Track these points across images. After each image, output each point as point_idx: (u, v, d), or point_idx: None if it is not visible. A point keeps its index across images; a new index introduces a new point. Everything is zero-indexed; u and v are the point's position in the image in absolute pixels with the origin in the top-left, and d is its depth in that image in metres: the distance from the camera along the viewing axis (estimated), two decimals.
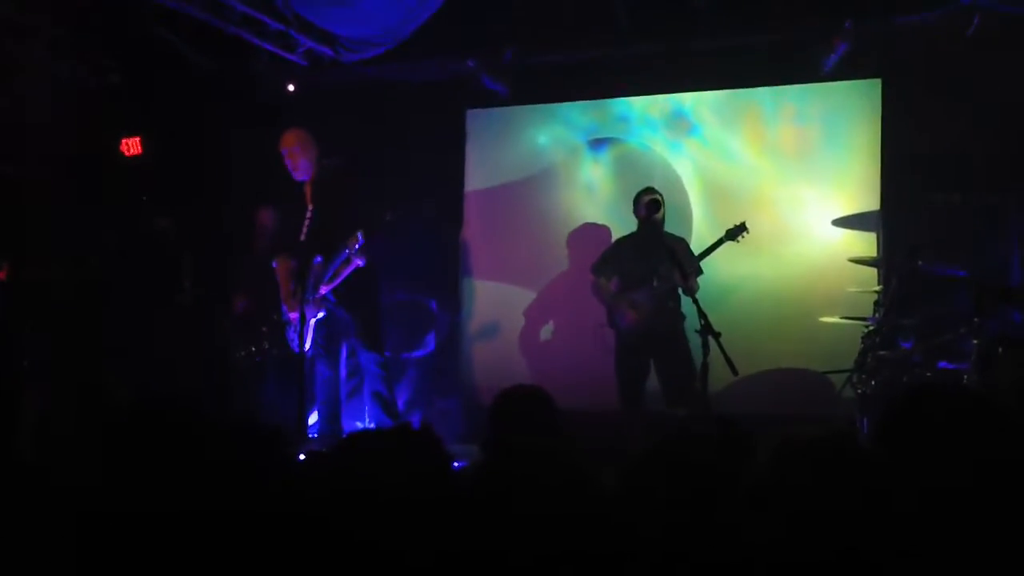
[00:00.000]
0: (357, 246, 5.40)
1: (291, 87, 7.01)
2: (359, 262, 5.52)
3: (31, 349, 5.73)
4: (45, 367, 5.43)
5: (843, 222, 6.27)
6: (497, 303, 7.13)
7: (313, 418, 6.65)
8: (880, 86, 6.24)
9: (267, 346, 6.32)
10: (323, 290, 5.68)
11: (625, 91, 6.87)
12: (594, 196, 6.95)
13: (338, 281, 5.65)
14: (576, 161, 7.03)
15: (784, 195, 6.47)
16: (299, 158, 5.70)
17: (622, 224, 6.35)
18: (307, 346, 5.73)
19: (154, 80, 7.17)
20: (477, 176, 7.23)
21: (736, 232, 5.63)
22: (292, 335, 5.74)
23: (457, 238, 7.12)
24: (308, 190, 5.80)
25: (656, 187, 5.94)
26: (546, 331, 6.97)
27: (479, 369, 7.08)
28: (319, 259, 5.59)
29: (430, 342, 6.99)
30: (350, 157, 6.11)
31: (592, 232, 6.81)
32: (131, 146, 7.18)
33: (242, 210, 6.98)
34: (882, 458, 1.96)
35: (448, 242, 7.12)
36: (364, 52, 6.50)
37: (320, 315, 5.74)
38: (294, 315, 5.71)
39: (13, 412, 2.90)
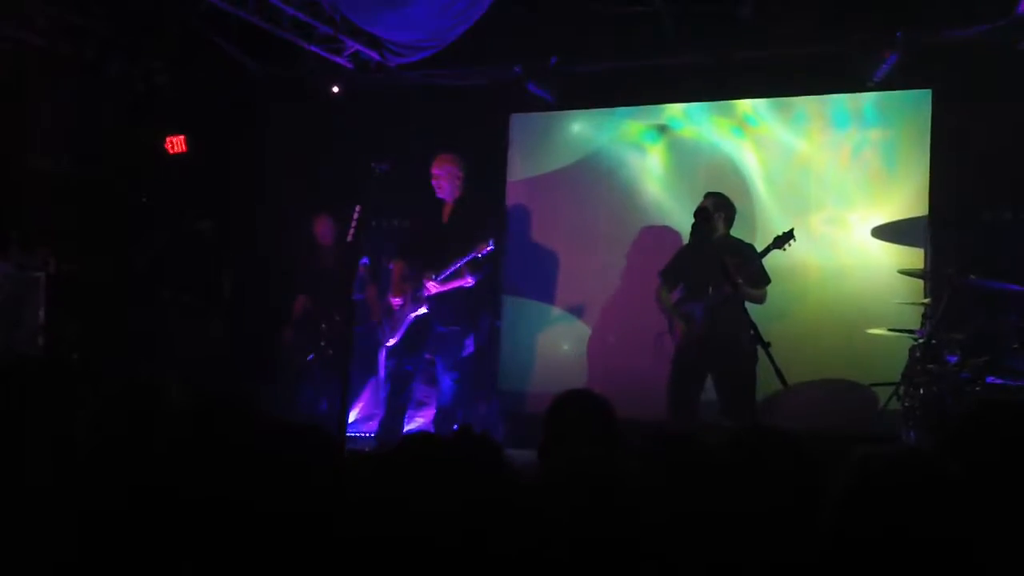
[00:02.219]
0: (487, 250, 5.79)
1: (336, 89, 7.05)
2: (470, 281, 5.88)
3: (79, 344, 5.80)
4: (94, 362, 5.49)
5: (891, 233, 6.22)
6: (537, 306, 7.13)
7: (353, 415, 6.72)
8: (930, 97, 6.19)
9: (323, 344, 6.50)
10: (432, 288, 5.90)
11: (671, 99, 6.86)
12: (640, 200, 6.93)
13: (447, 288, 5.90)
14: (623, 166, 7.01)
15: (831, 205, 6.43)
16: (443, 180, 6.06)
17: (665, 232, 6.32)
18: (395, 339, 6.01)
19: (201, 81, 7.25)
20: (520, 180, 7.24)
21: (783, 240, 5.45)
22: (386, 327, 6.07)
23: (499, 242, 7.12)
24: (447, 208, 6.12)
25: (715, 190, 5.80)
26: (605, 337, 6.93)
27: (518, 374, 7.08)
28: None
29: (469, 345, 6.99)
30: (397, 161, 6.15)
31: (655, 236, 6.76)
32: (176, 144, 7.25)
33: (285, 212, 7.03)
34: (959, 476, 1.93)
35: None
36: (410, 56, 6.54)
37: (421, 311, 5.98)
38: (397, 301, 6.01)
39: (66, 406, 2.92)
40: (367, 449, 5.55)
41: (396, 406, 6.09)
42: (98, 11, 6.47)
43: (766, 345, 4.51)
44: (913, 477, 1.61)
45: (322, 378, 6.49)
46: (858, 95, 6.40)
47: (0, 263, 5.88)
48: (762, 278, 5.56)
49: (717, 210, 5.59)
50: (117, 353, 6.01)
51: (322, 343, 6.52)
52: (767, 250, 5.50)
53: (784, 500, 2.05)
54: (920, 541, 1.55)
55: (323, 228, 6.86)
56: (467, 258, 5.84)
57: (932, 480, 1.61)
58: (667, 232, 6.69)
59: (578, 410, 2.79)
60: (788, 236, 5.46)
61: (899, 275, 5.69)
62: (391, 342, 6.08)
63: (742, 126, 6.75)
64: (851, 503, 1.65)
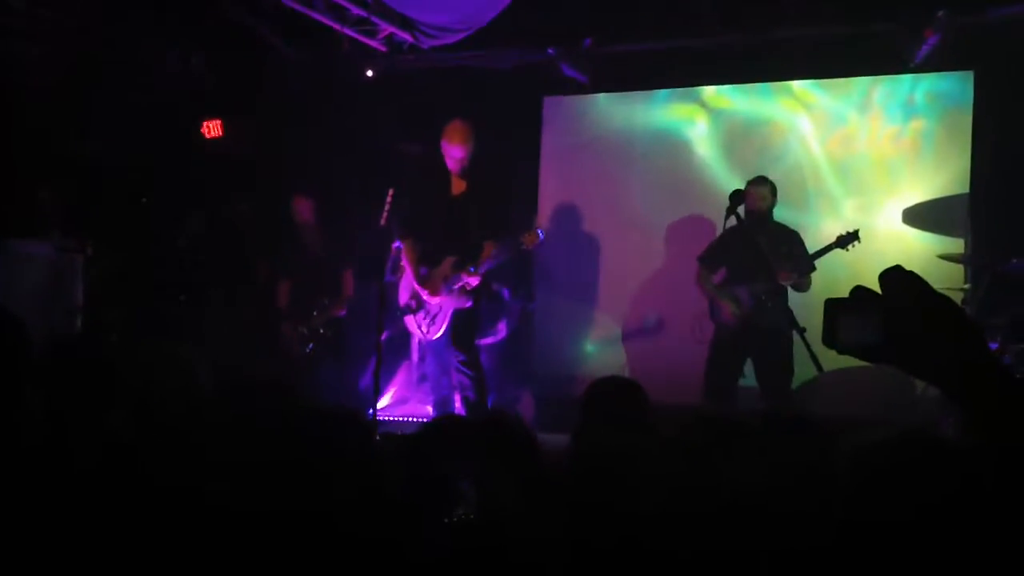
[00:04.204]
0: (537, 243, 5.51)
1: (370, 72, 7.04)
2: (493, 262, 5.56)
3: (118, 326, 5.87)
4: (134, 345, 5.55)
5: (931, 218, 6.12)
6: (569, 292, 7.11)
7: (385, 400, 6.72)
8: (972, 78, 6.07)
9: (321, 331, 6.27)
10: (473, 282, 5.60)
11: (707, 80, 6.78)
12: (676, 184, 6.85)
13: (484, 268, 5.61)
14: (658, 149, 6.94)
15: (870, 187, 6.35)
16: (455, 149, 5.64)
17: (697, 218, 6.24)
18: (440, 333, 5.70)
19: (235, 64, 7.28)
20: (552, 164, 7.21)
21: (847, 240, 5.37)
22: (421, 320, 5.73)
23: (532, 225, 7.09)
24: (455, 180, 5.74)
25: (761, 175, 5.72)
26: (628, 322, 6.90)
27: (551, 359, 7.07)
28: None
29: (502, 329, 6.99)
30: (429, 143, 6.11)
31: (692, 224, 6.66)
32: (212, 128, 7.30)
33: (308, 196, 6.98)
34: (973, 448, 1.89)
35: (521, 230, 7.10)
36: (444, 38, 6.52)
37: (467, 305, 5.68)
38: (434, 300, 5.69)
39: (105, 388, 2.94)
40: (400, 432, 5.56)
41: (445, 394, 5.90)
42: None
43: (802, 330, 4.48)
44: (911, 462, 1.59)
45: (327, 366, 6.24)
46: (899, 76, 6.29)
47: (41, 245, 5.97)
48: (807, 266, 5.47)
49: (764, 195, 5.52)
50: (153, 335, 6.06)
51: (320, 330, 6.25)
52: (827, 249, 5.40)
53: (802, 487, 2.04)
54: (924, 527, 1.52)
55: (301, 207, 6.46)
56: (508, 248, 5.56)
57: (935, 465, 1.58)
58: (702, 217, 6.61)
59: (612, 396, 2.79)
60: (852, 237, 5.38)
61: (938, 260, 5.60)
62: (434, 336, 5.74)
63: (779, 107, 6.67)
64: (851, 490, 1.63)
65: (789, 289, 5.45)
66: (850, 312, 1.18)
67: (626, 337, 6.93)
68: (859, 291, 1.19)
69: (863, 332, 1.17)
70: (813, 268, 5.48)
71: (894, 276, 1.18)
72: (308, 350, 6.25)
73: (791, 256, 5.43)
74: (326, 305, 6.27)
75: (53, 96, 6.49)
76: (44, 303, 5.81)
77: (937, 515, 1.53)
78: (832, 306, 1.20)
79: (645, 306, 6.89)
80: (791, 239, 5.61)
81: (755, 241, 5.31)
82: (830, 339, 1.18)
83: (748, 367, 5.63)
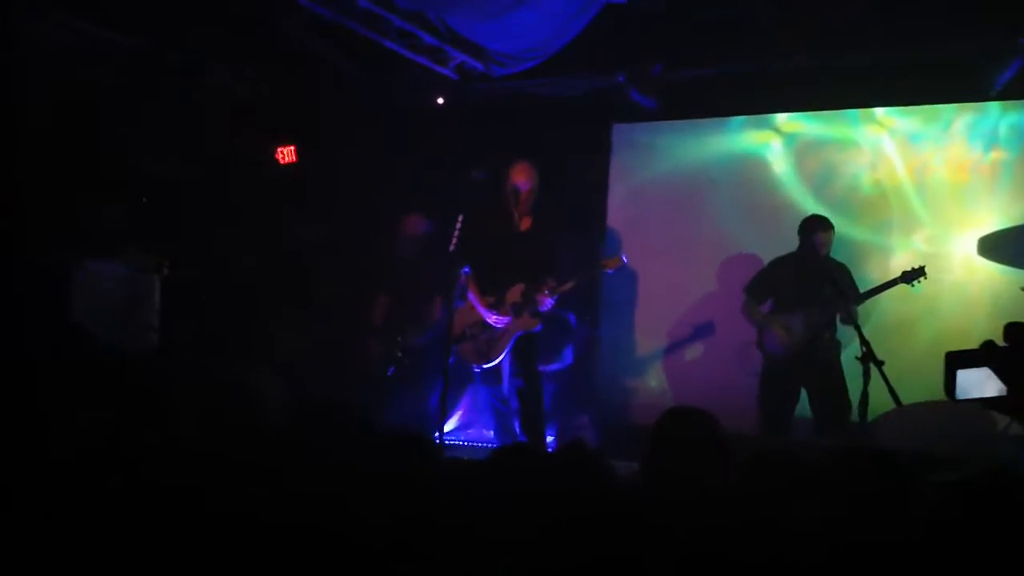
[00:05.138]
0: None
1: (441, 100, 7.10)
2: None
3: (193, 345, 5.97)
4: (203, 365, 5.63)
5: (1009, 248, 5.94)
6: (633, 319, 7.05)
7: (451, 424, 6.71)
8: None
9: (400, 355, 6.35)
10: (548, 303, 5.67)
11: (777, 107, 6.70)
12: (742, 213, 6.78)
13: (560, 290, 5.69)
14: (730, 176, 6.87)
15: (953, 218, 6.20)
16: (522, 186, 5.80)
17: (776, 245, 6.14)
18: (499, 358, 5.74)
19: (307, 89, 7.40)
20: (621, 191, 7.17)
21: (913, 276, 5.42)
22: (483, 345, 5.77)
23: (599, 252, 7.06)
24: (521, 217, 5.83)
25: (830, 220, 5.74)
26: (691, 352, 6.83)
27: (615, 386, 7.00)
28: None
29: (568, 356, 6.95)
30: (495, 171, 6.14)
31: (743, 260, 6.62)
32: (287, 154, 7.43)
33: (386, 222, 7.07)
34: None
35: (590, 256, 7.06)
36: (515, 67, 6.54)
37: (535, 329, 5.75)
38: (500, 322, 5.75)
39: (173, 405, 2.99)
40: (466, 458, 5.55)
41: (507, 422, 5.91)
42: (202, 17, 6.64)
43: (879, 363, 4.39)
44: (996, 499, 1.52)
45: (404, 391, 6.30)
46: (981, 104, 6.14)
47: (116, 265, 6.10)
48: (858, 299, 5.50)
49: (828, 242, 5.57)
50: (225, 355, 6.15)
51: (399, 354, 6.34)
52: (892, 283, 5.46)
53: (882, 522, 1.98)
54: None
55: (412, 223, 6.67)
56: (588, 272, 5.76)
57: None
58: (748, 257, 6.57)
59: (686, 426, 2.73)
60: (918, 272, 5.43)
61: (1020, 292, 5.44)
62: (494, 360, 5.77)
63: (850, 136, 6.56)
64: (936, 526, 1.58)
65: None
66: (971, 363, 1.16)
67: (672, 365, 6.88)
68: (988, 345, 1.17)
69: (985, 383, 1.14)
70: (860, 300, 5.49)
71: (1020, 328, 1.15)
72: (389, 373, 6.34)
73: (846, 287, 5.48)
74: (410, 331, 6.36)
75: (126, 115, 6.64)
76: (120, 321, 5.93)
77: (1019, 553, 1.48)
78: (953, 358, 1.17)
79: (703, 335, 6.81)
80: (843, 273, 5.66)
81: (814, 273, 5.35)
82: (951, 389, 1.15)
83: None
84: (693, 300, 6.86)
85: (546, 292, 5.63)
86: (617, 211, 7.16)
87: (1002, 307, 5.71)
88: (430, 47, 6.59)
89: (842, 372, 5.35)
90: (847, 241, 6.17)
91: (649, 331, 7.02)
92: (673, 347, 6.92)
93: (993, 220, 6.08)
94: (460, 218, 5.51)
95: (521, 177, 5.77)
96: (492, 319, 5.76)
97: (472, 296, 5.86)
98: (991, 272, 6.03)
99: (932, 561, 1.63)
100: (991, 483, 1.64)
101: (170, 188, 6.91)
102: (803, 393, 5.73)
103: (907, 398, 4.62)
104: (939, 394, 5.71)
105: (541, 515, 2.07)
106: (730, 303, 6.37)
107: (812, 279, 5.42)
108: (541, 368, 6.79)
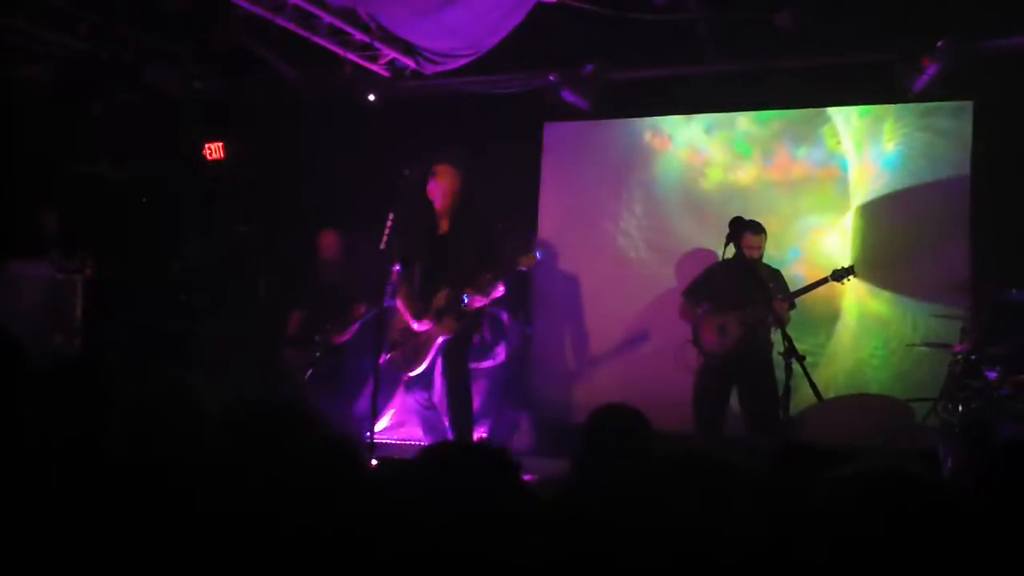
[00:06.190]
0: (533, 264, 5.69)
1: (372, 97, 7.07)
2: (502, 290, 5.61)
3: (118, 346, 5.86)
4: (134, 365, 5.54)
5: (929, 246, 6.13)
6: (567, 317, 7.11)
7: (383, 423, 6.70)
8: (971, 108, 6.10)
9: (318, 354, 6.32)
10: (477, 302, 5.57)
11: (706, 108, 6.81)
12: (674, 213, 6.88)
13: (488, 301, 5.63)
14: (657, 176, 6.96)
15: (868, 215, 6.36)
16: (442, 187, 5.78)
17: (713, 243, 6.21)
18: (425, 364, 5.66)
19: (238, 87, 7.32)
20: (552, 190, 7.23)
21: (842, 275, 5.63)
22: (409, 352, 5.70)
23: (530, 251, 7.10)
24: (442, 219, 5.81)
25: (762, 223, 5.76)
26: (628, 349, 6.88)
27: (549, 383, 7.05)
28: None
29: (500, 353, 6.97)
30: (427, 167, 6.12)
31: (682, 256, 6.72)
32: (214, 150, 7.34)
33: (312, 225, 7.00)
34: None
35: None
36: (445, 64, 6.54)
37: (456, 333, 5.64)
38: (423, 327, 5.68)
39: (102, 407, 2.94)
40: (397, 457, 5.54)
41: (436, 426, 5.87)
42: (137, 18, 6.54)
43: (801, 358, 4.49)
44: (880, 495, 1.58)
45: (324, 392, 6.24)
46: (895, 106, 6.32)
47: (39, 266, 5.97)
48: (791, 301, 5.68)
49: (760, 245, 5.67)
50: (153, 356, 6.05)
51: (316, 354, 6.30)
52: (823, 281, 5.66)
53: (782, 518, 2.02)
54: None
55: (328, 242, 6.65)
56: (508, 271, 5.58)
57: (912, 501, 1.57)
58: (699, 248, 6.64)
59: (615, 424, 2.75)
60: (848, 272, 5.65)
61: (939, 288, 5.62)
62: (420, 367, 5.69)
63: (773, 139, 6.69)
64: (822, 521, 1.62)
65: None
66: None
67: (617, 362, 6.91)
68: None
69: None
70: (794, 306, 5.69)
71: None
72: (307, 376, 6.31)
73: (778, 291, 5.64)
74: (328, 331, 6.32)
75: (54, 116, 6.51)
76: (42, 323, 5.80)
77: (901, 549, 1.51)
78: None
79: (638, 332, 6.88)
80: (776, 276, 5.82)
81: (747, 277, 5.40)
82: None
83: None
84: (629, 298, 6.93)
85: (469, 291, 5.53)
86: (549, 210, 7.21)
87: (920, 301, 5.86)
88: (361, 44, 6.57)
89: (774, 371, 5.43)
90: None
91: (586, 329, 7.07)
92: (610, 345, 6.97)
93: (906, 215, 6.25)
94: (391, 216, 5.49)
95: (441, 180, 5.75)
96: (415, 325, 5.73)
97: (399, 302, 5.83)
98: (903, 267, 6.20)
99: (820, 558, 1.65)
100: (877, 480, 1.67)
101: (102, 189, 6.79)
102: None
103: (826, 393, 4.73)
104: (857, 389, 5.93)
105: (455, 508, 2.08)
106: (666, 300, 6.46)
107: (743, 284, 5.47)
108: (473, 365, 6.81)
